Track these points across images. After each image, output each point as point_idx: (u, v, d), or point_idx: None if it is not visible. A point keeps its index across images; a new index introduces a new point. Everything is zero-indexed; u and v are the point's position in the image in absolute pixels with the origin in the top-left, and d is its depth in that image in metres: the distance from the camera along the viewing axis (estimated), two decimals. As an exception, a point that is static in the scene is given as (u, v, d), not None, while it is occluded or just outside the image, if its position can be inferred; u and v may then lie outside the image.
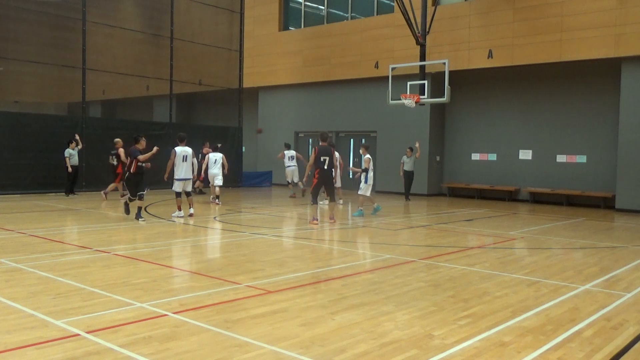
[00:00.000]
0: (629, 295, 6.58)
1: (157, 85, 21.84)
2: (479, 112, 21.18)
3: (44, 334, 4.67)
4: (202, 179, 18.08)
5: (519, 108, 20.22)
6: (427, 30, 18.09)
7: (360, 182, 14.27)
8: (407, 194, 19.20)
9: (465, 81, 20.88)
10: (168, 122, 21.91)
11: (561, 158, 19.24)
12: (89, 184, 18.70)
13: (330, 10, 24.39)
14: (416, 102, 17.23)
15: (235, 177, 22.73)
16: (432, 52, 19.67)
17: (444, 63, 16.97)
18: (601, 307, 6.00)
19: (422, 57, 17.97)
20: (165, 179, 13.27)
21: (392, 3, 21.60)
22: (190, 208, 13.28)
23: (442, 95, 17.11)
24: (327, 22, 24.29)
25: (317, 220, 12.49)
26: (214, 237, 11.16)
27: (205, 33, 22.91)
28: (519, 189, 20.15)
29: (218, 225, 12.45)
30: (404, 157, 19.03)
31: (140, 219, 12.02)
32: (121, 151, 15.81)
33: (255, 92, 26.42)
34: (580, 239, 11.23)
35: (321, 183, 12.67)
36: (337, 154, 14.63)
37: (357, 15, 23.44)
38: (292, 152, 19.71)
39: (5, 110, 18.31)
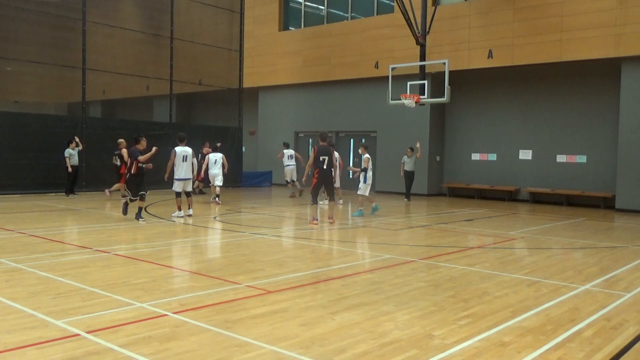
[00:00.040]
0: (629, 295, 6.58)
1: (157, 85, 21.84)
2: (479, 112, 21.18)
3: (44, 334, 4.67)
4: (200, 179, 18.08)
5: (519, 108, 20.22)
6: (427, 30, 18.09)
7: (359, 182, 14.28)
8: (407, 194, 19.18)
9: (465, 81, 20.88)
10: (168, 122, 21.91)
11: (561, 158, 19.24)
12: (89, 184, 18.71)
13: (330, 10, 24.39)
14: (416, 102, 17.23)
15: (235, 177, 22.73)
16: (432, 52, 19.67)
17: (444, 63, 16.97)
18: (601, 307, 6.00)
19: (422, 57, 17.97)
20: (166, 179, 13.29)
21: (392, 3, 21.60)
22: (189, 209, 13.28)
23: (442, 95, 17.11)
24: (327, 22, 24.29)
25: (317, 220, 12.49)
26: (214, 237, 11.16)
27: (205, 33, 22.91)
28: (519, 189, 20.15)
29: (218, 225, 12.45)
30: (405, 157, 19.02)
31: (140, 219, 12.02)
32: (124, 152, 15.79)
33: (255, 92, 26.42)
34: (580, 239, 11.23)
35: (321, 183, 12.66)
36: (336, 154, 14.62)
37: (357, 15, 23.44)
38: (291, 151, 19.83)
39: (5, 110, 18.31)
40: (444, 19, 19.77)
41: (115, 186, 16.67)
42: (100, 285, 6.35)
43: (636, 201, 16.97)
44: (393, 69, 17.97)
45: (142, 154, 12.08)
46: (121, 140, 16.18)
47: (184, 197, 13.30)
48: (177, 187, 13.11)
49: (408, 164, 18.93)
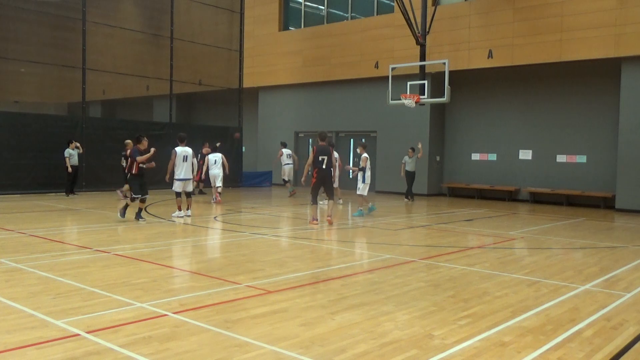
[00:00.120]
0: (629, 295, 6.58)
1: (157, 85, 21.84)
2: (479, 112, 21.18)
3: (44, 334, 4.67)
4: (198, 179, 18.08)
5: (519, 108, 20.22)
6: (427, 30, 18.08)
7: (358, 181, 14.28)
8: (410, 194, 19.13)
9: (465, 81, 20.88)
10: (168, 122, 21.92)
11: (561, 158, 19.24)
12: (89, 184, 18.72)
13: (330, 10, 24.39)
14: (416, 102, 17.23)
15: (235, 177, 22.73)
16: (432, 52, 19.67)
17: (444, 63, 16.97)
18: (601, 307, 6.00)
19: (422, 57, 17.97)
20: (167, 180, 13.31)
21: (392, 3, 21.60)
22: (187, 209, 13.28)
23: (442, 95, 17.10)
24: (327, 22, 24.29)
25: (317, 220, 12.49)
26: (214, 237, 11.16)
27: (205, 33, 22.92)
28: (519, 189, 20.15)
29: (218, 225, 12.45)
30: (406, 157, 19.00)
31: (140, 219, 12.02)
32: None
33: (255, 92, 26.42)
34: (580, 239, 11.23)
35: (320, 183, 12.65)
36: (335, 154, 14.62)
37: (357, 15, 23.44)
38: (289, 151, 20.05)
39: (5, 110, 18.32)
40: (444, 19, 19.77)
41: (126, 187, 16.66)
42: (100, 285, 6.35)
43: (636, 201, 16.97)
44: (393, 69, 17.96)
45: (143, 154, 12.08)
46: (128, 141, 16.15)
47: (183, 197, 13.31)
48: (177, 187, 13.13)
49: (409, 164, 18.91)
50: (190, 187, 13.52)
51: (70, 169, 17.19)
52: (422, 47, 17.99)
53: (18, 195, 17.13)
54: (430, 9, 18.64)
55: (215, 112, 25.33)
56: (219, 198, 16.45)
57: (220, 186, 16.58)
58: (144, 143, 12.30)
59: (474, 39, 19.59)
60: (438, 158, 21.90)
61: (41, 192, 17.73)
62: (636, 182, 16.93)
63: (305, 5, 25.14)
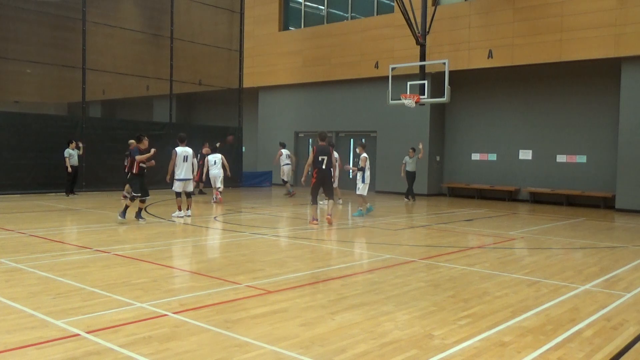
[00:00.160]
0: (629, 295, 6.58)
1: (157, 85, 21.85)
2: (479, 112, 21.18)
3: (44, 334, 4.67)
4: (198, 180, 18.06)
5: (519, 108, 20.22)
6: (427, 30, 18.08)
7: (358, 181, 14.27)
8: (411, 194, 19.10)
9: (465, 81, 20.88)
10: (168, 122, 21.92)
11: (561, 158, 19.24)
12: (89, 184, 18.72)
13: (330, 10, 24.39)
14: (416, 102, 17.23)
15: (235, 177, 22.72)
16: (432, 52, 19.67)
17: (444, 63, 16.97)
18: (601, 307, 6.00)
19: (422, 57, 17.97)
20: (168, 181, 13.32)
21: (392, 3, 21.60)
22: (188, 209, 13.28)
23: (442, 95, 17.11)
24: (327, 22, 24.29)
25: (316, 220, 12.49)
26: (214, 237, 11.16)
27: (205, 33, 22.92)
28: (519, 189, 20.15)
29: (218, 225, 12.45)
30: (406, 158, 18.98)
31: (140, 219, 12.02)
32: None
33: (255, 92, 26.42)
34: (580, 239, 11.23)
35: (320, 183, 12.65)
36: (335, 154, 14.62)
37: (357, 15, 23.44)
38: (288, 151, 20.13)
39: (5, 110, 18.32)
40: (444, 19, 19.77)
41: (127, 187, 16.67)
42: (100, 285, 6.35)
43: (636, 201, 16.97)
44: (393, 69, 17.97)
45: (143, 154, 12.08)
46: (132, 141, 16.13)
47: (183, 197, 13.31)
48: (178, 187, 13.13)
49: (410, 164, 18.89)
50: (190, 187, 13.52)
51: (70, 169, 17.19)
52: (422, 47, 17.99)
53: (18, 195, 17.13)
54: (430, 9, 18.64)
55: (215, 112, 25.34)
56: (220, 197, 16.48)
57: (220, 186, 16.62)
58: (145, 142, 12.29)
59: (474, 39, 19.59)
60: (438, 158, 21.90)
61: (41, 192, 17.74)
62: (636, 182, 16.93)
63: (305, 5, 25.14)
